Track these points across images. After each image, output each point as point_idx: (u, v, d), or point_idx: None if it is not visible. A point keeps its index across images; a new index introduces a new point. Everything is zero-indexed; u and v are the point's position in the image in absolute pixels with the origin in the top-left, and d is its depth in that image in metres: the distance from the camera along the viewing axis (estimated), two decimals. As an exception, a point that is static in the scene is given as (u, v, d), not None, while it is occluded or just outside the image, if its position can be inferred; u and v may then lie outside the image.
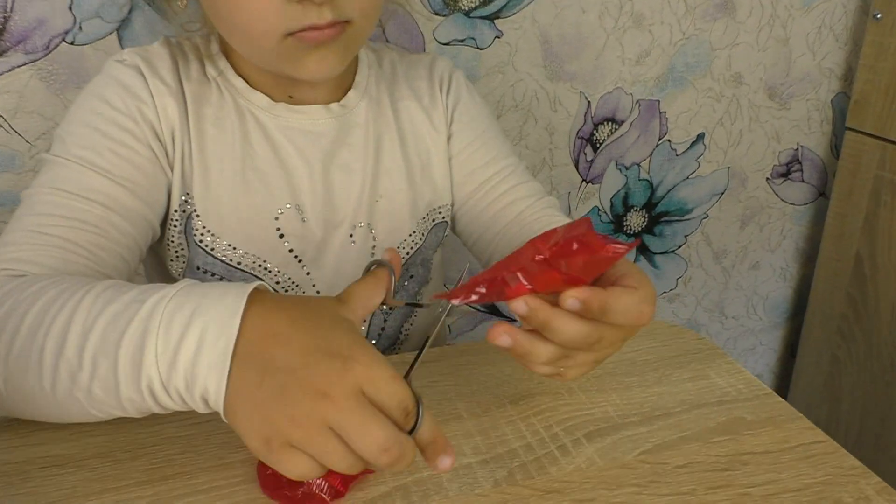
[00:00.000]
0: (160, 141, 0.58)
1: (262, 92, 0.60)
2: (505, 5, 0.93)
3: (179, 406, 0.40)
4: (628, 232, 1.15)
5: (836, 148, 1.19)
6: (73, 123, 0.56)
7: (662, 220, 1.16)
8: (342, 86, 0.64)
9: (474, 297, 0.43)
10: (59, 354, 0.41)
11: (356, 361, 0.36)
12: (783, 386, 1.38)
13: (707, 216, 1.18)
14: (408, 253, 0.66)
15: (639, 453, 0.47)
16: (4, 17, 0.77)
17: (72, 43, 0.81)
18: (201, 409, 0.39)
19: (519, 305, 0.42)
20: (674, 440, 0.48)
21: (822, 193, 1.24)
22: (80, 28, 0.80)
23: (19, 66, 0.80)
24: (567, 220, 0.64)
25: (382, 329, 0.68)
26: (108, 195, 0.53)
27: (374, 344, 0.67)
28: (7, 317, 0.43)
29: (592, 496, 0.43)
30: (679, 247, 1.19)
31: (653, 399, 0.53)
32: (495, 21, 0.94)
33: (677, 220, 1.17)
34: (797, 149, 1.18)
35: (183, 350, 0.38)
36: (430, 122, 0.67)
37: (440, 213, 0.68)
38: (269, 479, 0.43)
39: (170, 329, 0.38)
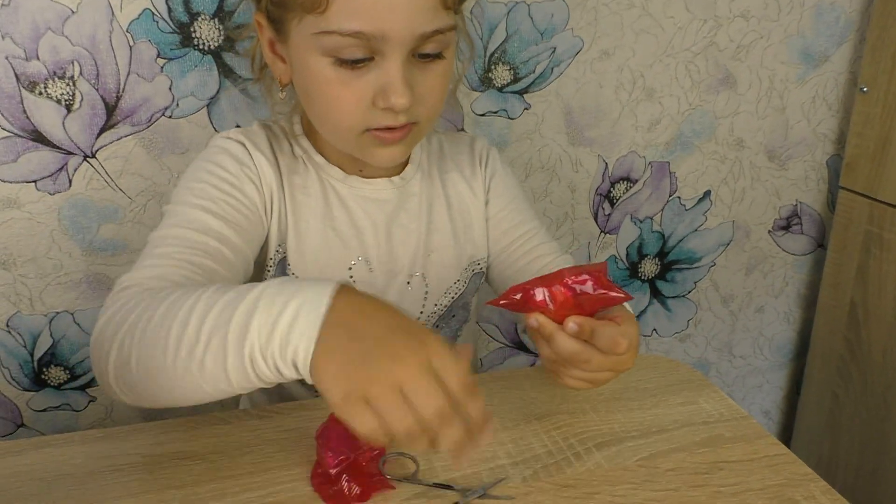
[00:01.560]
0: (262, 198, 0.71)
1: (338, 167, 0.75)
2: (533, 82, 1.08)
3: (272, 374, 0.47)
4: (642, 278, 1.28)
5: (832, 204, 1.31)
6: (191, 181, 0.69)
7: (674, 267, 1.29)
8: (401, 163, 0.79)
9: (507, 302, 0.58)
10: (182, 334, 0.49)
11: (430, 342, 0.45)
12: (789, 422, 1.48)
13: (714, 264, 1.31)
14: (452, 298, 0.80)
15: (637, 459, 0.60)
16: (117, 97, 0.94)
17: (170, 117, 0.96)
18: (291, 373, 0.47)
19: (532, 320, 0.58)
20: (665, 450, 0.61)
21: (821, 245, 1.35)
22: (178, 105, 0.96)
23: (126, 136, 0.96)
24: None
25: None
26: (221, 233, 0.65)
27: None
28: (143, 311, 0.53)
29: (598, 490, 0.56)
30: (689, 292, 1.32)
31: (650, 419, 0.65)
32: (524, 95, 1.09)
33: (687, 268, 1.30)
34: (796, 204, 1.30)
35: (281, 321, 0.46)
36: (471, 190, 0.82)
37: (479, 264, 0.82)
38: (316, 476, 0.56)
39: (272, 306, 0.47)
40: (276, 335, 0.46)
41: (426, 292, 0.78)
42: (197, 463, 0.59)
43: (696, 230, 1.27)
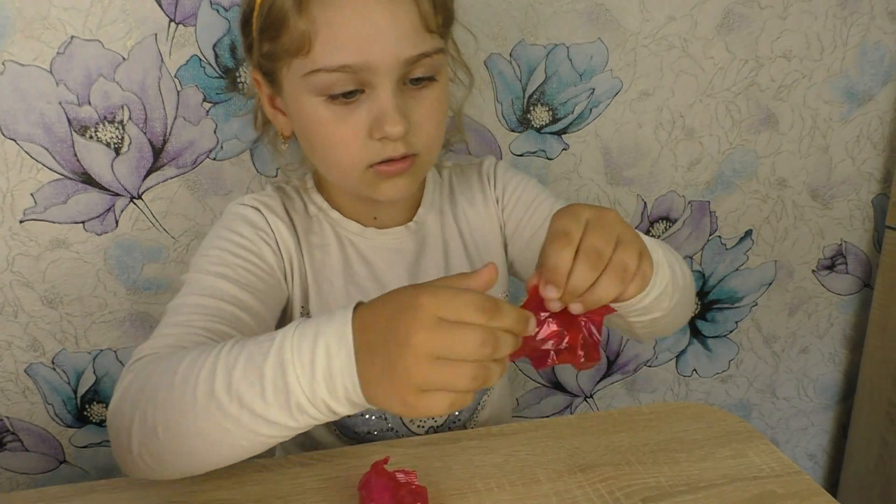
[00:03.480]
0: (281, 261, 0.72)
1: (353, 220, 0.75)
2: (571, 123, 1.08)
3: (325, 415, 0.48)
4: (682, 318, 1.26)
5: (878, 243, 1.28)
6: (209, 249, 0.70)
7: (714, 307, 1.27)
8: (414, 203, 0.80)
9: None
10: (210, 394, 0.49)
11: (421, 301, 0.44)
12: (836, 466, 1.43)
13: (756, 304, 1.28)
14: None
15: (685, 516, 0.58)
16: (164, 140, 0.96)
17: (214, 159, 0.98)
18: (347, 409, 0.47)
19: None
20: (715, 507, 0.59)
21: (867, 284, 1.32)
22: (222, 147, 0.98)
23: (171, 178, 0.98)
24: None
25: None
26: (237, 297, 0.65)
27: (455, 416, 0.79)
28: (161, 376, 0.54)
29: (647, 548, 0.55)
30: (730, 331, 1.29)
31: (698, 473, 0.64)
32: (563, 136, 1.09)
33: (728, 308, 1.27)
34: (841, 244, 1.28)
35: (318, 366, 0.46)
36: (487, 217, 0.82)
37: (502, 286, 0.83)
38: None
39: (301, 354, 0.47)
40: (319, 380, 0.47)
41: None
42: (239, 511, 0.59)
43: (737, 269, 1.25)
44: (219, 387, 0.49)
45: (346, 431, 0.79)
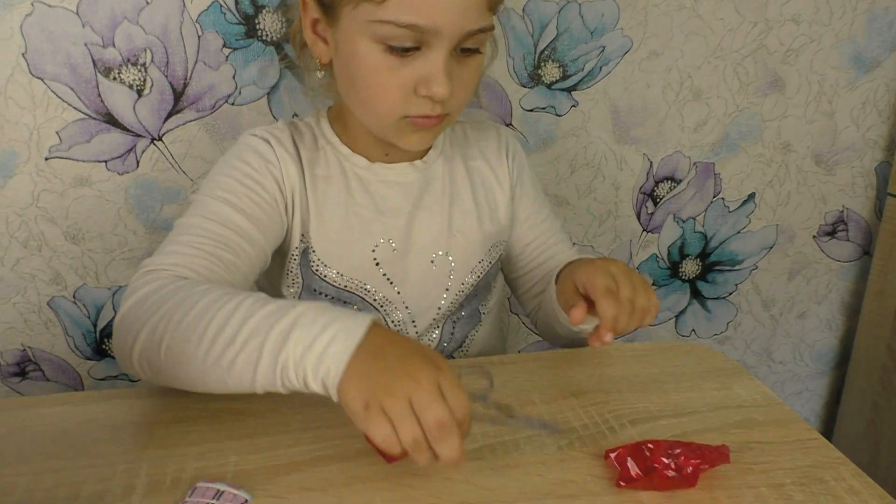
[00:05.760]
0: (283, 194, 0.76)
1: (362, 155, 0.79)
2: (581, 80, 1.11)
3: (298, 385, 0.54)
4: (683, 278, 1.29)
5: (879, 211, 1.30)
6: (218, 175, 0.74)
7: (715, 268, 1.29)
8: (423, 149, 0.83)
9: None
10: (220, 331, 0.56)
11: (443, 369, 0.52)
12: (828, 430, 1.47)
13: (757, 267, 1.31)
14: (478, 276, 0.83)
15: (669, 436, 0.61)
16: (185, 84, 0.99)
17: (232, 104, 1.02)
18: (317, 388, 0.53)
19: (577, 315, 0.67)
20: (698, 429, 0.63)
21: (867, 252, 1.35)
22: (240, 92, 1.01)
23: (191, 121, 1.01)
24: (578, 256, 0.85)
25: (452, 334, 0.84)
26: (241, 226, 0.70)
27: (444, 347, 0.85)
28: (181, 302, 0.59)
29: (631, 461, 0.58)
30: (730, 294, 1.32)
31: (684, 401, 0.67)
32: (572, 92, 1.12)
33: (729, 270, 1.30)
34: (843, 210, 1.30)
35: (318, 341, 0.52)
36: (495, 176, 0.86)
37: (503, 243, 0.87)
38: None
39: (312, 326, 0.53)
40: (312, 353, 0.53)
41: (451, 270, 0.81)
42: (253, 418, 0.63)
43: (738, 232, 1.27)
44: (229, 330, 0.55)
45: None
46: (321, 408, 0.65)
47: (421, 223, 0.80)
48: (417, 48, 0.67)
